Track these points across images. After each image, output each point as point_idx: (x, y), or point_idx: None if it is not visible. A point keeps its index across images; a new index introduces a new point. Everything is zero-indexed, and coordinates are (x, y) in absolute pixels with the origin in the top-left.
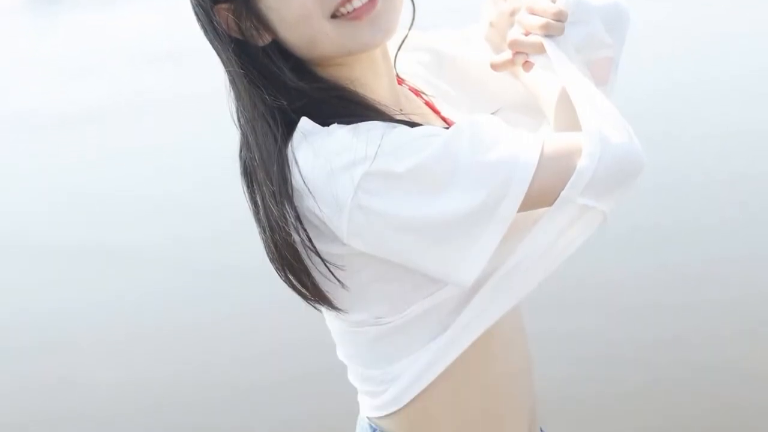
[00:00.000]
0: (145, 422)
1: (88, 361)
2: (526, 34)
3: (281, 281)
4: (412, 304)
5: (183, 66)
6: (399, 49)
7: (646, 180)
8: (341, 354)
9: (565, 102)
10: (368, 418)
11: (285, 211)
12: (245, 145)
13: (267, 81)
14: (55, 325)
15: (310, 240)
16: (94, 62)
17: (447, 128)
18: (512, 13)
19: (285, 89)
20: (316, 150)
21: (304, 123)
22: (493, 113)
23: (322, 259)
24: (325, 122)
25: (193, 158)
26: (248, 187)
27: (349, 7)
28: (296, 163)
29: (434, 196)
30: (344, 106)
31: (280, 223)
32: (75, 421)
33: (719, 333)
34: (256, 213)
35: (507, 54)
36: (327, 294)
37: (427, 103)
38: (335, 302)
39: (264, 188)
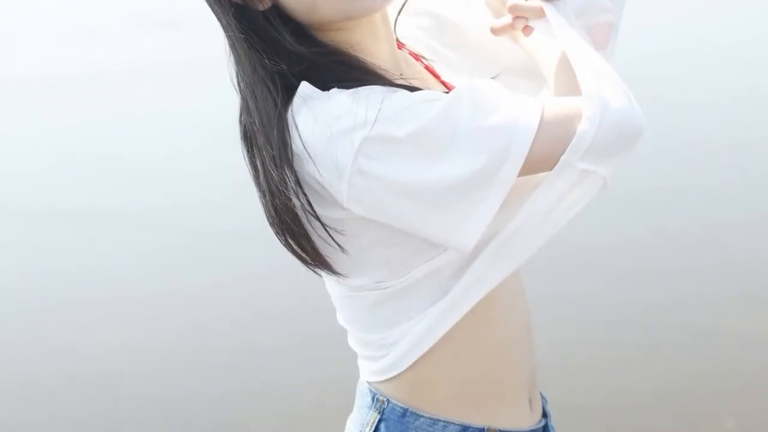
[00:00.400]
0: (144, 386)
1: (88, 325)
2: None
3: (281, 246)
4: (412, 269)
5: (183, 30)
6: (399, 14)
7: (645, 144)
8: (341, 318)
9: (565, 66)
10: (368, 382)
11: (285, 176)
12: (245, 109)
13: (267, 45)
14: (54, 289)
15: (310, 204)
16: (94, 26)
17: (447, 93)
18: None
19: (285, 54)
20: (316, 114)
21: (304, 87)
22: (493, 78)
23: (322, 224)
24: (325, 87)
25: (194, 122)
26: (248, 151)
27: None
28: (296, 127)
29: (434, 161)
30: (344, 71)
31: (280, 187)
32: (74, 385)
33: (719, 297)
34: (256, 177)
35: (507, 18)
36: (327, 258)
37: (427, 68)
38: (335, 267)
39: (264, 153)
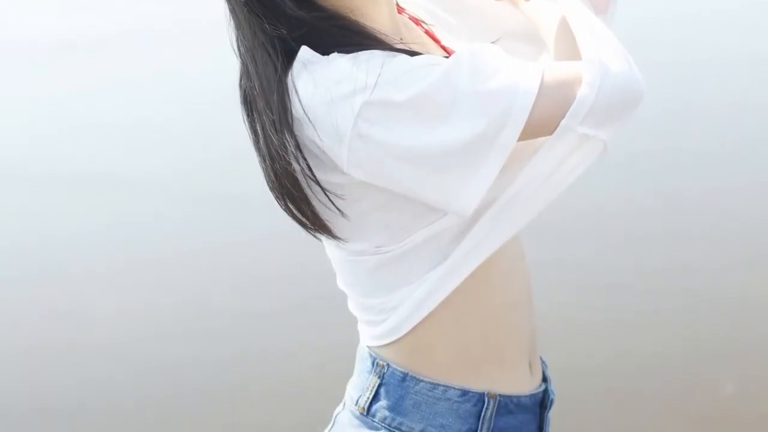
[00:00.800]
0: (144, 350)
1: (87, 290)
2: None
3: (281, 210)
4: (412, 234)
5: None
6: None
7: (646, 108)
8: (341, 283)
9: (565, 31)
10: (368, 347)
11: (285, 140)
12: (245, 74)
13: (267, 10)
14: (54, 254)
15: (310, 169)
16: None
17: (447, 57)
18: None
19: (285, 18)
20: (316, 79)
21: (304, 52)
22: (493, 42)
23: (322, 188)
24: (325, 51)
25: (193, 87)
26: (248, 116)
27: None
28: (296, 92)
29: (434, 125)
30: (344, 36)
31: (280, 152)
32: (73, 350)
33: (719, 261)
34: (256, 142)
35: None
36: (327, 223)
37: (427, 32)
38: (335, 231)
39: (264, 117)
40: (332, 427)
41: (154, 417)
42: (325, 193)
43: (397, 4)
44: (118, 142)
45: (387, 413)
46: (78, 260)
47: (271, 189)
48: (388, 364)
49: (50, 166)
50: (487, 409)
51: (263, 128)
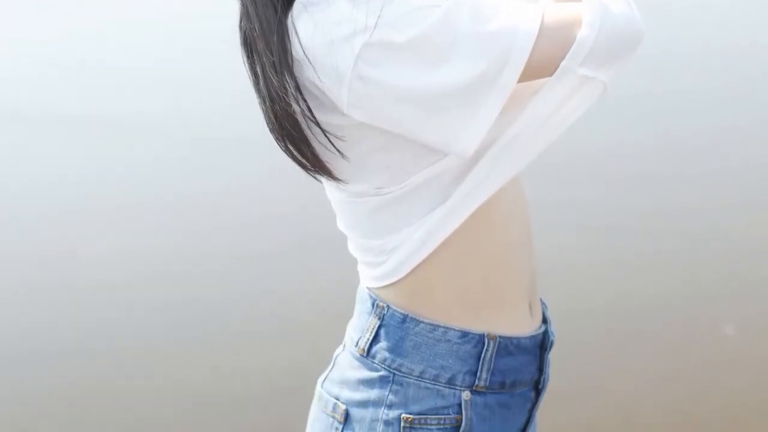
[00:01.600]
0: (145, 292)
1: (88, 232)
2: None
3: (281, 152)
4: (412, 175)
5: None
6: None
7: (646, 48)
8: (341, 224)
9: None
10: (368, 288)
11: (285, 82)
12: (245, 15)
13: None
14: (55, 197)
15: (310, 110)
16: None
17: None
18: None
19: None
20: (316, 20)
21: None
22: None
23: (322, 130)
24: None
25: (193, 29)
26: (248, 57)
27: None
28: (296, 33)
29: (435, 67)
30: None
31: (280, 93)
32: (74, 291)
33: (719, 203)
34: (256, 84)
35: None
36: (327, 164)
37: None
38: (335, 172)
39: (264, 59)
40: (332, 368)
41: (153, 359)
42: (325, 135)
43: None
44: (118, 85)
45: (387, 354)
46: (77, 202)
47: (271, 131)
48: (388, 306)
49: (51, 108)
50: (487, 350)
51: (263, 70)
